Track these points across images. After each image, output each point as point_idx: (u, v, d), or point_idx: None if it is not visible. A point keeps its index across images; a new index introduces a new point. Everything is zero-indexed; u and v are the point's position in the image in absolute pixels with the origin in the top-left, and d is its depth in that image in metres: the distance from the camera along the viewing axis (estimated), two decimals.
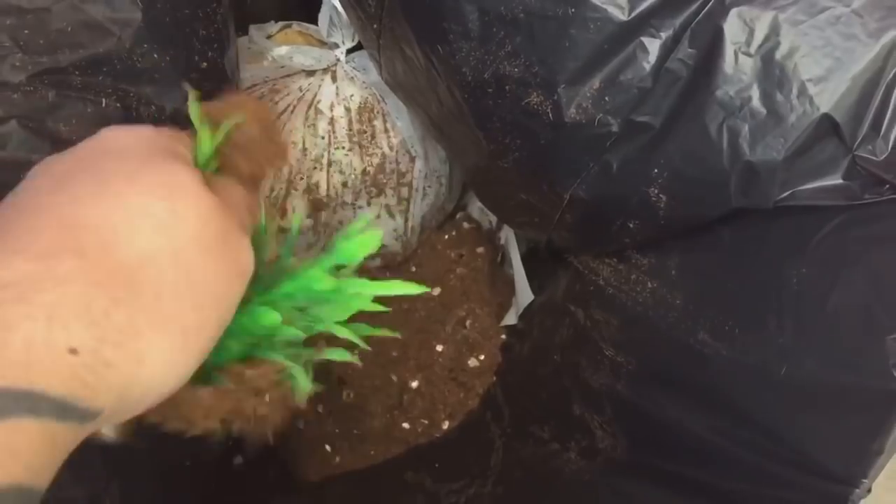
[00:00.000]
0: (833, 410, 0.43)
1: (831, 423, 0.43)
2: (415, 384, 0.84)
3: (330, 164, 0.74)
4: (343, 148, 0.74)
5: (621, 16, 0.46)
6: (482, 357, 0.85)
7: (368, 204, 0.77)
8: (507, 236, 0.87)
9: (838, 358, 0.43)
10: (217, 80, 0.54)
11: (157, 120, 0.50)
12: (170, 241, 0.30)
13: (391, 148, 0.76)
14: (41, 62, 0.44)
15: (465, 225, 0.91)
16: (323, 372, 0.82)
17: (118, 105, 0.48)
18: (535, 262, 0.85)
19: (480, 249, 0.90)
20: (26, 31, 0.44)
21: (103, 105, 0.47)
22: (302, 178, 0.73)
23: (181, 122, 0.51)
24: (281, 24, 0.80)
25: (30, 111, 0.44)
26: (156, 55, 0.48)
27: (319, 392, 0.82)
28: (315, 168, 0.73)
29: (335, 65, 0.76)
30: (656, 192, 0.51)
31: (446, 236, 0.90)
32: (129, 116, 0.48)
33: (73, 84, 0.46)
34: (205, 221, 0.32)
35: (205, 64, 0.52)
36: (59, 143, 0.44)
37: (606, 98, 0.49)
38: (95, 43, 0.46)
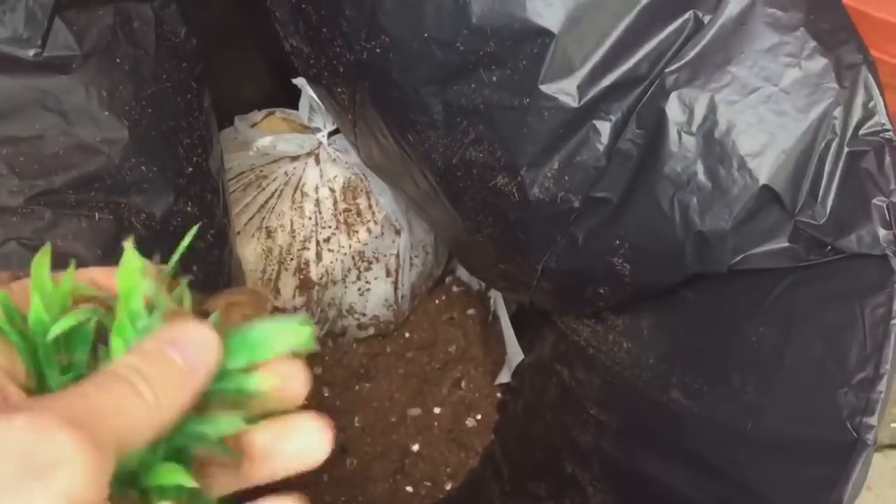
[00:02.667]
0: (795, 464, 0.45)
1: (794, 476, 0.45)
2: (416, 447, 0.86)
3: (318, 243, 0.77)
4: (330, 227, 0.77)
5: (572, 103, 0.50)
6: (479, 416, 0.87)
7: (358, 278, 0.81)
8: (496, 297, 0.90)
9: (797, 412, 0.46)
10: (202, 181, 0.58)
11: (148, 226, 0.53)
12: None
13: (376, 223, 0.79)
14: (37, 185, 0.48)
15: (455, 288, 0.94)
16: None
17: (111, 217, 0.51)
18: (523, 320, 0.88)
19: (471, 311, 0.93)
20: (21, 158, 0.47)
21: (96, 219, 0.50)
22: (292, 259, 0.77)
23: (171, 225, 0.55)
24: (265, 111, 0.84)
25: (28, 232, 0.47)
26: (143, 167, 0.52)
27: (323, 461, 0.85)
28: (304, 248, 0.77)
29: (318, 148, 0.80)
30: (620, 261, 0.54)
31: (437, 301, 0.93)
32: (122, 227, 0.51)
33: (68, 202, 0.49)
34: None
35: (190, 169, 0.56)
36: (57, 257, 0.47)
37: (566, 177, 0.53)
38: (86, 162, 0.49)
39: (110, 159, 0.50)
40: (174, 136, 0.54)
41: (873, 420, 0.42)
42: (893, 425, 1.14)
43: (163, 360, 0.23)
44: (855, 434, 0.42)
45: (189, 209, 0.55)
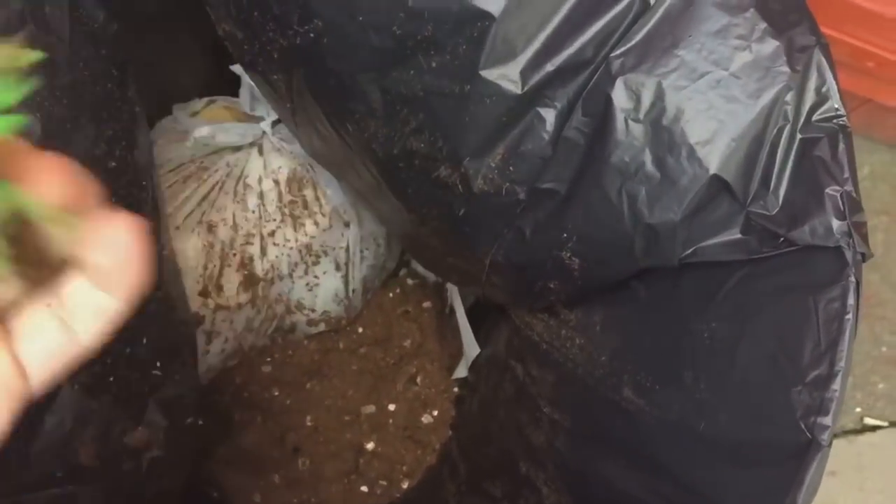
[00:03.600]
0: (749, 465, 0.43)
1: (748, 478, 0.43)
2: (370, 446, 0.84)
3: (262, 237, 0.74)
4: (275, 220, 0.74)
5: (515, 90, 0.47)
6: (436, 412, 0.85)
7: (306, 273, 0.78)
8: (452, 289, 0.88)
9: (750, 412, 0.44)
10: (129, 177, 0.54)
11: None
12: None
13: (324, 215, 0.76)
14: None
15: (410, 281, 0.92)
16: (277, 440, 0.83)
17: None
18: (480, 313, 0.86)
19: (427, 304, 0.90)
20: None
21: None
22: (235, 254, 0.73)
23: None
24: (206, 100, 0.80)
25: None
26: None
27: (275, 462, 0.83)
28: (247, 243, 0.74)
29: (261, 138, 0.76)
30: (569, 255, 0.52)
31: (391, 294, 0.90)
32: None
33: None
34: None
35: (113, 163, 0.52)
36: None
37: (511, 168, 0.50)
38: None
39: None
40: (93, 127, 0.51)
41: (828, 420, 0.40)
42: (857, 410, 1.13)
43: None
44: (809, 434, 0.41)
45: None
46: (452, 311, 0.90)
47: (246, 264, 0.74)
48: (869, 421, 1.12)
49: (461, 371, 0.86)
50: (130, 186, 0.54)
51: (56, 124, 0.48)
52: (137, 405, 0.55)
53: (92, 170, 0.48)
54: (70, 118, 0.49)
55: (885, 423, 1.12)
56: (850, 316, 0.41)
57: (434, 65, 0.49)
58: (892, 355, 1.15)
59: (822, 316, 0.42)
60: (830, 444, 0.41)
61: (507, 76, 0.47)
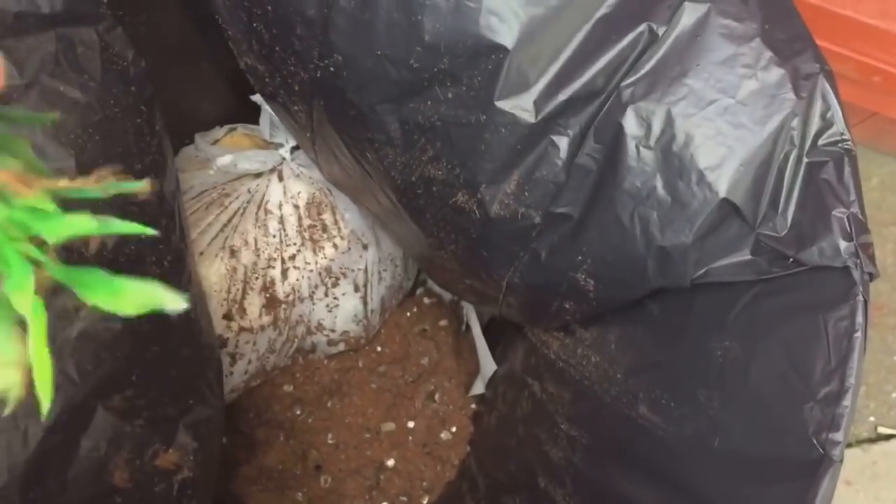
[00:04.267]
0: (762, 481, 0.44)
1: (761, 494, 0.44)
2: (390, 462, 0.85)
3: (283, 261, 0.76)
4: (295, 244, 0.76)
5: (529, 119, 0.49)
6: (454, 429, 0.86)
7: (326, 295, 0.80)
8: (468, 307, 0.89)
9: (763, 428, 0.45)
10: (156, 206, 0.56)
11: (101, 256, 0.51)
12: None
13: (343, 238, 0.78)
14: None
15: (426, 300, 0.93)
16: (299, 458, 0.85)
17: (60, 248, 0.49)
18: (496, 330, 0.87)
19: (443, 322, 0.92)
20: None
21: None
22: (258, 278, 0.75)
23: (123, 255, 0.53)
24: (226, 127, 0.83)
25: None
26: None
27: (297, 480, 0.84)
28: (269, 267, 0.75)
29: (281, 164, 0.78)
30: (583, 276, 0.53)
31: (408, 313, 0.92)
32: (72, 257, 0.50)
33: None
34: None
35: (143, 195, 0.54)
36: None
37: (526, 193, 0.52)
38: None
39: None
40: (123, 162, 0.53)
41: (839, 436, 0.41)
42: (871, 419, 1.14)
43: None
44: (821, 450, 0.42)
45: (143, 236, 0.54)
46: (469, 328, 0.91)
47: (268, 287, 0.76)
48: (883, 430, 1.12)
49: (478, 388, 0.87)
50: (160, 216, 0.56)
51: (89, 161, 0.50)
52: (168, 428, 0.57)
53: (124, 204, 0.51)
54: (102, 154, 0.51)
55: None
56: (858, 334, 0.42)
57: (450, 95, 0.51)
58: None
59: (832, 334, 0.43)
60: (842, 459, 0.42)
61: (521, 106, 0.49)
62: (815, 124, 0.45)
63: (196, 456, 0.59)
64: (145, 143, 0.55)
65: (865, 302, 0.43)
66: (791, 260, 0.45)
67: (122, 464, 0.53)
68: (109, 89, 0.52)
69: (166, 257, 0.56)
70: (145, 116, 0.55)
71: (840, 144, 0.44)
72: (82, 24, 0.51)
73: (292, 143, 0.78)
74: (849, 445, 1.12)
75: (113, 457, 0.52)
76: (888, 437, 1.13)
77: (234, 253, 0.74)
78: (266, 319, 0.76)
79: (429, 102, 0.52)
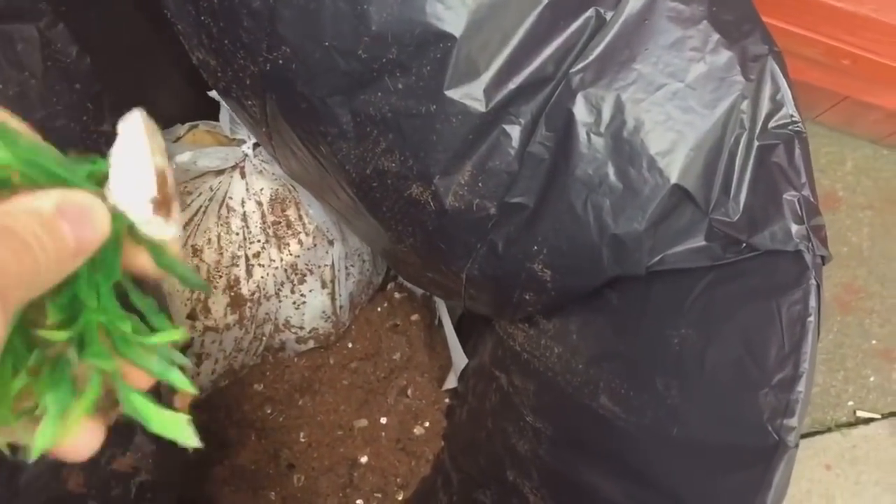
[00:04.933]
0: (721, 468, 0.44)
1: (719, 482, 0.44)
2: (364, 459, 0.84)
3: (247, 258, 0.75)
4: (259, 241, 0.75)
5: (480, 108, 0.48)
6: (427, 424, 0.86)
7: (292, 292, 0.79)
8: (440, 302, 0.88)
9: (720, 415, 0.45)
10: None
11: None
12: None
13: (308, 234, 0.77)
14: None
15: (397, 295, 0.93)
16: (271, 458, 0.84)
17: None
18: (469, 323, 0.86)
19: (415, 317, 0.91)
20: None
21: None
22: (221, 276, 0.74)
23: None
24: (188, 125, 0.81)
25: None
26: None
27: (270, 479, 0.83)
28: (233, 265, 0.74)
29: (243, 160, 0.77)
30: (540, 266, 0.52)
31: (379, 308, 0.91)
32: None
33: None
34: None
35: None
36: None
37: (480, 184, 0.51)
38: None
39: None
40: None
41: (794, 422, 0.41)
42: (850, 403, 1.14)
43: (55, 235, 0.24)
44: (776, 436, 0.41)
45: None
46: (441, 322, 0.91)
47: (232, 286, 0.75)
48: (862, 414, 1.12)
49: (451, 382, 0.86)
50: None
51: None
52: (124, 431, 0.56)
53: None
54: None
55: (878, 416, 1.13)
56: (812, 318, 0.42)
57: (400, 86, 0.50)
58: (883, 348, 1.15)
59: (786, 319, 0.43)
60: (797, 445, 0.41)
61: (471, 95, 0.48)
62: (764, 107, 0.44)
63: (155, 459, 0.58)
64: (92, 142, 0.54)
65: (818, 286, 0.42)
66: (744, 245, 0.45)
67: (77, 469, 0.52)
68: (51, 86, 0.51)
69: None
70: (91, 114, 0.54)
71: (790, 126, 0.44)
72: (22, 20, 0.50)
73: (254, 139, 0.76)
74: (828, 430, 1.12)
75: (66, 463, 0.51)
76: (867, 421, 1.13)
77: (196, 252, 0.73)
78: (231, 318, 0.75)
79: (379, 94, 0.51)
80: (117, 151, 0.29)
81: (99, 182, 0.29)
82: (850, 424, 1.13)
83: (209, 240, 0.74)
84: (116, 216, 0.28)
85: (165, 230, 0.30)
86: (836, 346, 1.16)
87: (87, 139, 0.54)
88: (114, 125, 0.58)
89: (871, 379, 1.15)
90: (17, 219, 0.24)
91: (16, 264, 0.23)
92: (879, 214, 1.20)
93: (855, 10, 0.91)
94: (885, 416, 1.12)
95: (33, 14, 0.50)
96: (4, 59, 0.48)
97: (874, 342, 1.15)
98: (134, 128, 0.30)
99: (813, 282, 0.42)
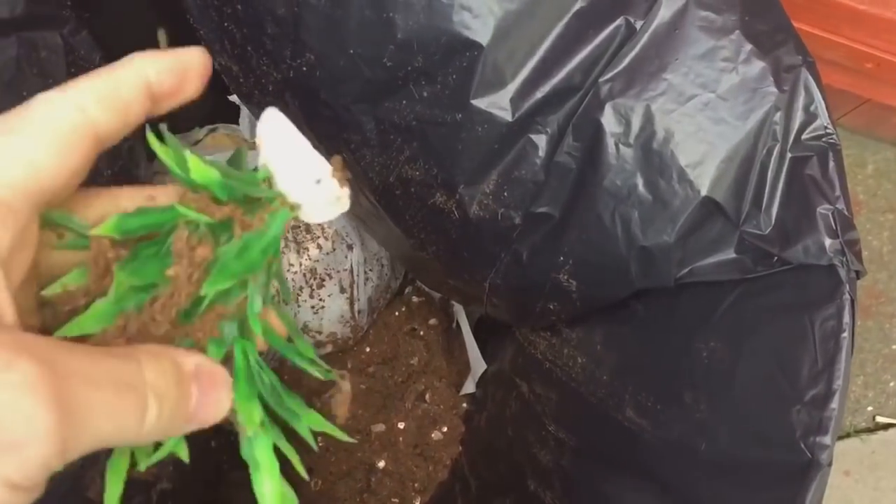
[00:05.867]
0: (750, 485, 0.43)
1: (749, 499, 0.43)
2: (381, 464, 0.84)
3: None
4: None
5: (507, 117, 0.48)
6: (445, 429, 0.85)
7: (311, 296, 0.78)
8: (457, 306, 0.88)
9: (750, 431, 0.44)
10: None
11: None
12: None
13: (327, 239, 0.77)
14: None
15: (415, 299, 0.92)
16: (289, 462, 0.83)
17: None
18: (487, 328, 0.86)
19: (433, 321, 0.91)
20: None
21: None
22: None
23: None
24: (207, 128, 0.81)
25: None
26: None
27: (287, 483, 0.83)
28: None
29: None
30: (566, 277, 0.52)
31: (397, 312, 0.91)
32: None
33: None
34: None
35: None
36: None
37: (505, 193, 0.51)
38: None
39: None
40: (92, 168, 0.51)
41: (827, 440, 0.40)
42: (870, 409, 1.13)
43: (182, 395, 0.24)
44: (809, 454, 0.41)
45: None
46: (459, 327, 0.90)
47: None
48: (881, 419, 1.11)
49: (469, 387, 0.86)
50: None
51: None
52: None
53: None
54: None
55: None
56: (846, 334, 0.41)
57: (426, 94, 0.49)
58: None
59: (819, 334, 0.42)
60: (831, 463, 0.41)
61: (497, 104, 0.48)
62: (798, 118, 0.43)
63: (176, 466, 0.57)
64: (115, 149, 0.54)
65: (853, 301, 0.42)
66: (776, 258, 0.44)
67: (98, 477, 0.52)
68: None
69: None
70: None
71: (824, 139, 0.43)
72: (45, 27, 0.49)
73: None
74: (847, 435, 1.11)
75: (88, 470, 0.51)
76: (886, 427, 1.12)
77: None
78: None
79: (404, 102, 0.50)
80: (271, 151, 0.30)
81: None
82: (869, 430, 1.12)
83: None
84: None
85: (345, 200, 0.32)
86: (856, 351, 1.15)
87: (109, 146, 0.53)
88: (135, 131, 0.57)
89: (891, 384, 1.14)
90: (151, 370, 0.23)
91: (113, 412, 0.21)
92: None
93: (879, 14, 0.90)
94: None
95: (57, 21, 0.50)
96: (28, 66, 0.48)
97: (894, 347, 1.14)
98: (278, 123, 0.31)
99: (847, 297, 0.42)
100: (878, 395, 1.14)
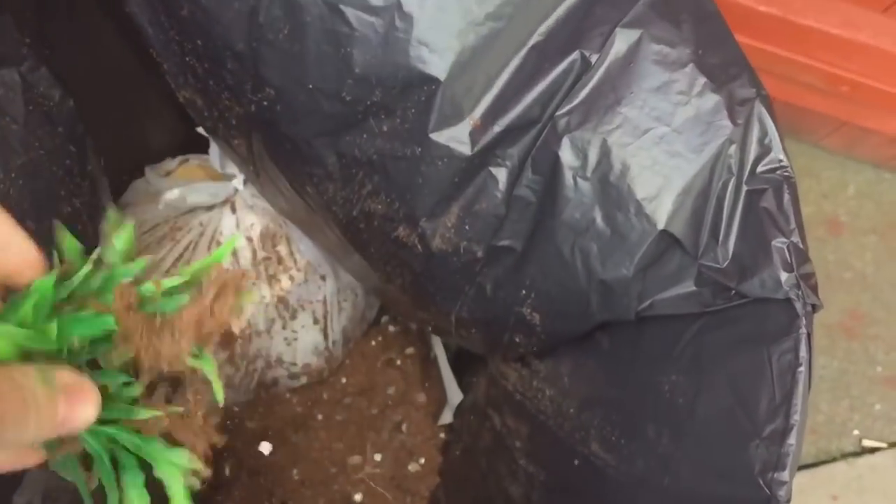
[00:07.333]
0: None
1: None
2: (358, 497, 0.83)
3: None
4: (249, 278, 0.74)
5: (466, 151, 0.48)
6: (422, 460, 0.85)
7: (284, 328, 0.78)
8: (435, 336, 0.88)
9: (711, 466, 0.43)
10: (89, 251, 0.55)
11: None
12: None
13: (299, 270, 0.77)
14: None
15: (392, 328, 0.92)
16: (265, 496, 0.83)
17: None
18: (464, 357, 0.85)
19: (410, 350, 0.90)
20: None
21: None
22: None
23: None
24: (179, 159, 0.81)
25: None
26: None
27: None
28: None
29: (234, 195, 0.77)
30: (529, 310, 0.52)
31: (373, 342, 0.90)
32: None
33: None
34: None
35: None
36: None
37: (467, 227, 0.51)
38: None
39: None
40: (51, 205, 0.51)
41: (785, 476, 0.40)
42: (856, 432, 1.12)
43: (52, 406, 0.29)
44: (768, 490, 0.40)
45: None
46: (436, 355, 0.90)
47: None
48: (868, 443, 1.10)
49: (446, 417, 0.85)
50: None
51: (12, 205, 0.49)
52: None
53: (51, 247, 0.49)
54: (27, 199, 0.50)
55: (884, 445, 1.11)
56: (802, 368, 0.41)
57: (385, 128, 0.49)
58: (889, 375, 1.14)
59: (776, 368, 0.42)
60: (789, 500, 0.40)
61: (456, 138, 0.48)
62: (752, 151, 0.43)
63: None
64: (76, 185, 0.53)
65: (809, 335, 0.41)
66: (734, 291, 0.44)
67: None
68: (34, 131, 0.51)
69: None
70: (75, 157, 0.54)
71: (779, 171, 0.43)
72: (3, 65, 0.49)
73: (240, 170, 0.76)
74: (833, 459, 1.11)
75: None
76: (873, 451, 1.11)
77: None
78: (221, 355, 0.75)
79: (364, 136, 0.50)
80: None
81: None
82: (856, 454, 1.11)
83: None
84: None
85: None
86: (841, 374, 1.14)
87: (70, 182, 0.53)
88: (99, 165, 0.57)
89: (877, 407, 1.13)
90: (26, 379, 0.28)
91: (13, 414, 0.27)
92: (883, 239, 1.19)
93: (852, 37, 0.91)
94: (891, 446, 1.10)
95: (15, 59, 0.50)
96: None
97: (879, 369, 1.14)
98: None
99: (803, 331, 0.41)
100: (865, 419, 1.13)
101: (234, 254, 0.75)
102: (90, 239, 0.54)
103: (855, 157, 1.21)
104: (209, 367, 0.38)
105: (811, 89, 1.01)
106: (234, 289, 0.37)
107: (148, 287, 0.35)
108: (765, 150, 0.43)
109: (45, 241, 0.51)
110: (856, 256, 1.19)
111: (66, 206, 0.52)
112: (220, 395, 0.39)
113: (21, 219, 0.49)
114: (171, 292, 0.36)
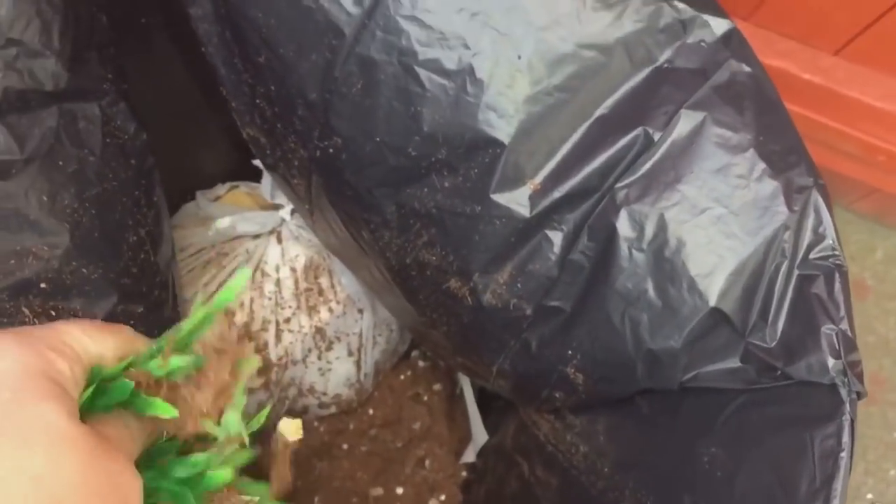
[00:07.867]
0: None
1: None
2: None
3: (278, 324, 0.76)
4: (290, 307, 0.76)
5: (524, 213, 0.49)
6: (443, 497, 0.86)
7: (319, 358, 0.79)
8: (462, 375, 0.89)
9: None
10: (150, 278, 0.57)
11: None
12: (49, 496, 0.28)
13: (339, 303, 0.78)
14: None
15: (421, 363, 0.93)
16: None
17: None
18: (490, 397, 0.87)
19: (437, 386, 0.91)
20: None
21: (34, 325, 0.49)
22: (250, 340, 0.75)
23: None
24: (228, 185, 0.83)
25: None
26: (84, 270, 0.51)
27: None
28: (263, 329, 0.75)
29: (280, 225, 0.78)
30: (573, 370, 0.53)
31: (402, 376, 0.91)
32: None
33: (4, 309, 0.48)
34: (85, 467, 0.30)
35: (135, 269, 0.54)
36: None
37: (518, 285, 0.52)
38: (24, 268, 0.48)
39: (49, 264, 0.49)
40: (119, 234, 0.53)
41: None
42: (869, 496, 1.12)
43: None
44: None
45: (134, 308, 0.54)
46: (463, 393, 0.91)
47: (260, 350, 0.76)
48: None
49: (469, 456, 0.86)
50: (153, 288, 0.56)
51: (83, 234, 0.50)
52: None
53: (118, 278, 0.50)
54: (97, 228, 0.51)
55: None
56: (844, 454, 0.42)
57: (447, 185, 0.51)
58: None
59: (818, 452, 0.43)
60: None
61: (516, 200, 0.49)
62: (806, 237, 0.44)
63: None
64: (142, 215, 0.55)
65: (852, 421, 0.42)
66: (779, 372, 0.45)
67: None
68: (108, 163, 0.53)
69: (156, 329, 0.56)
70: (143, 188, 0.56)
71: (831, 259, 0.44)
72: (85, 99, 0.51)
73: (293, 204, 0.78)
74: None
75: None
76: None
77: (227, 314, 0.74)
78: (257, 382, 0.76)
79: (425, 190, 0.52)
80: None
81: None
82: None
83: (241, 303, 0.75)
84: None
85: None
86: (858, 437, 1.14)
87: (137, 213, 0.55)
88: (162, 198, 0.59)
89: (892, 472, 1.13)
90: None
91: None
92: None
93: (892, 110, 0.92)
94: None
95: (97, 93, 0.52)
96: (66, 136, 0.50)
97: None
98: None
99: (847, 417, 0.42)
100: (878, 483, 1.13)
101: (277, 283, 0.76)
102: (151, 268, 0.56)
103: (884, 223, 1.22)
104: (235, 430, 0.44)
105: (848, 156, 1.02)
106: (233, 358, 0.44)
107: (156, 362, 0.40)
108: (818, 238, 0.44)
109: (110, 267, 0.53)
110: (880, 321, 1.19)
111: (133, 236, 0.54)
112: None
113: (90, 248, 0.51)
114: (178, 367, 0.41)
